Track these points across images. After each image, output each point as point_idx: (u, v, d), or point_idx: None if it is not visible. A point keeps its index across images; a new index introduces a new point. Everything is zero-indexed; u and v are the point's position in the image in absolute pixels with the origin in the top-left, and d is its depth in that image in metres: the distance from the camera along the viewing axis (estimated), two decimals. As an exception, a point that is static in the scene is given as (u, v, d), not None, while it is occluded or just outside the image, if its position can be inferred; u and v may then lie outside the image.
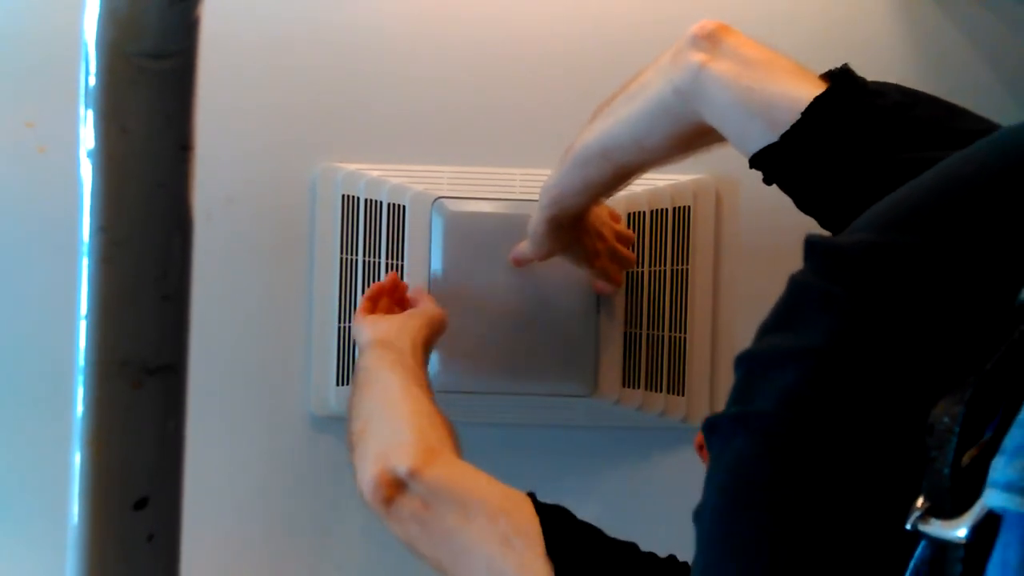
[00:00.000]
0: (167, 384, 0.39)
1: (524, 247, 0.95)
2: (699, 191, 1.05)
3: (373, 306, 0.95)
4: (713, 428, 0.50)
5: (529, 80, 1.05)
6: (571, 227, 0.90)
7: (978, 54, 1.07)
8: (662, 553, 0.69)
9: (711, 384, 1.06)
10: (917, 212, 0.49)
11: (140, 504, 0.39)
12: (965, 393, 0.40)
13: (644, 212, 1.03)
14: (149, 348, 0.38)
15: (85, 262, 0.38)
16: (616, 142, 0.79)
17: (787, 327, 0.49)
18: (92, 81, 0.36)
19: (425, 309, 0.94)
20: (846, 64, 0.69)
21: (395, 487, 0.68)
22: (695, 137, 0.76)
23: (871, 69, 0.69)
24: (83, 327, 0.38)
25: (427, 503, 0.68)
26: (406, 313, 0.93)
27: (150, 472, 0.39)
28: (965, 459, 0.39)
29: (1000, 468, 0.37)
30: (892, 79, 0.69)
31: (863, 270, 0.47)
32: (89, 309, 0.38)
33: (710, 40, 0.71)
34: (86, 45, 0.36)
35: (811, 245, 0.51)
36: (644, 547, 0.69)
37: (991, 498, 0.37)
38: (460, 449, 0.76)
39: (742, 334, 1.04)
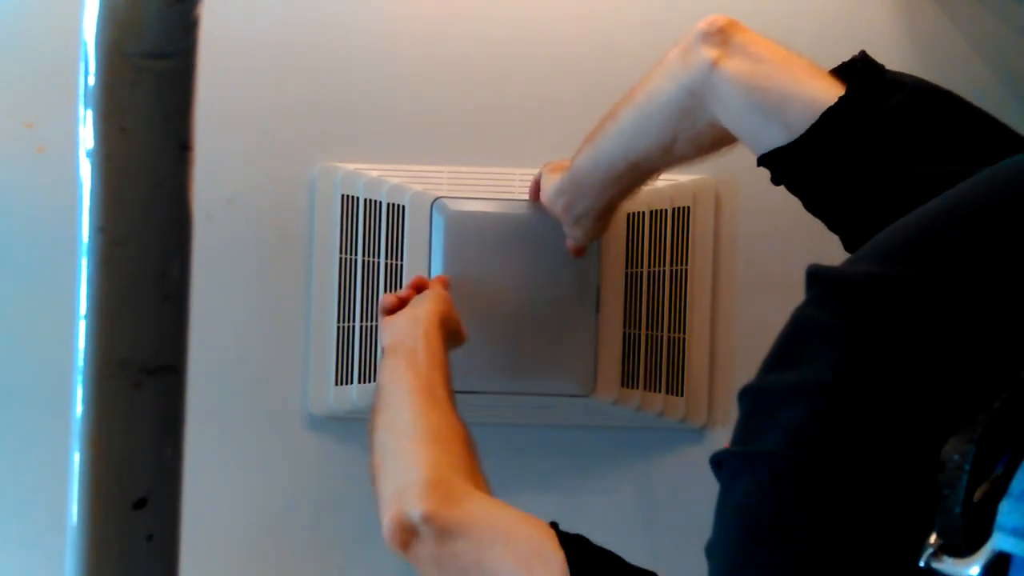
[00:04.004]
0: (166, 384, 0.39)
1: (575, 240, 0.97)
2: (698, 192, 1.05)
3: (396, 306, 0.91)
4: (720, 464, 0.49)
5: (528, 80, 1.05)
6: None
7: (978, 54, 1.07)
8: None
9: (709, 384, 1.06)
10: (917, 243, 0.49)
11: (139, 504, 0.39)
12: (975, 432, 0.40)
13: (643, 212, 1.03)
14: (148, 348, 0.38)
15: (84, 262, 0.38)
16: (635, 151, 0.79)
17: (790, 361, 0.48)
18: (91, 81, 0.36)
19: (428, 293, 0.91)
20: (864, 53, 0.67)
21: (410, 532, 0.68)
22: (718, 136, 0.75)
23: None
24: (82, 327, 0.38)
25: (442, 543, 0.67)
26: (412, 302, 0.90)
27: (150, 472, 0.39)
28: (977, 495, 0.39)
29: (1007, 512, 0.37)
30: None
31: (862, 301, 0.47)
32: (88, 309, 0.38)
33: (720, 36, 0.69)
34: (86, 45, 0.36)
35: (812, 275, 0.50)
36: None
37: (1000, 541, 0.37)
38: (477, 459, 0.75)
39: (741, 335, 1.04)
